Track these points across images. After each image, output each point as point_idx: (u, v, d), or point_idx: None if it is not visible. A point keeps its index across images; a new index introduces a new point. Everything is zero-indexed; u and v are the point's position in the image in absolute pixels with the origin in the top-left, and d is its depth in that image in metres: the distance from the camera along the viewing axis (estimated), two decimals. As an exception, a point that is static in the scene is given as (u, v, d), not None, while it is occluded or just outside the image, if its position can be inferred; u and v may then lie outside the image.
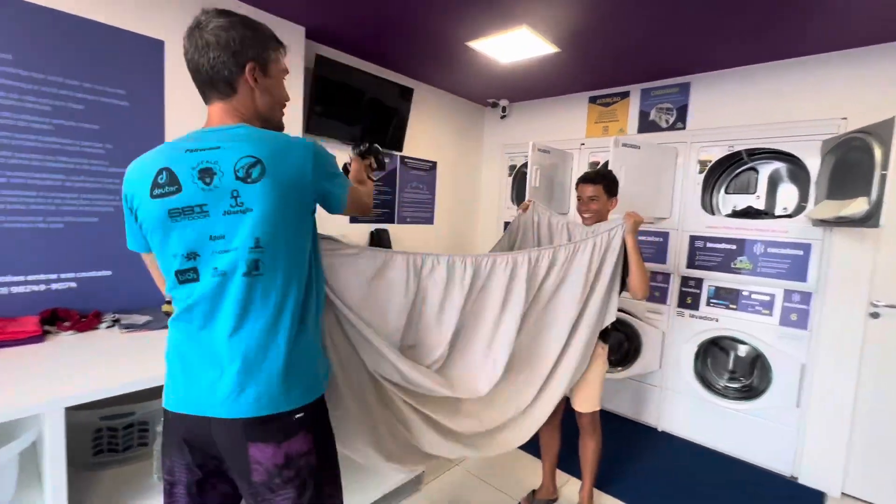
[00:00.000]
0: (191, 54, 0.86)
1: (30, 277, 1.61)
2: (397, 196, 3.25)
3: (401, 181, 3.26)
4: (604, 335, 1.72)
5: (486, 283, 1.37)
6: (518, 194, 3.55)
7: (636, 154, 2.56)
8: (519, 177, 3.56)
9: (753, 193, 2.60)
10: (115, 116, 1.75)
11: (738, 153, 2.54)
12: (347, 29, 2.36)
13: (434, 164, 3.50)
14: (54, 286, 1.66)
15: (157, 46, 1.84)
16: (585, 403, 1.78)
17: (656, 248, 2.78)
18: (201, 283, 0.84)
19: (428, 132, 3.40)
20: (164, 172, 0.82)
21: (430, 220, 3.54)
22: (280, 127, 0.99)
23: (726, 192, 2.71)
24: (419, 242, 3.44)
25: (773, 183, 2.55)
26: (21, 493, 1.19)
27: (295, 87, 2.35)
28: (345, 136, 2.80)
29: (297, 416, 0.90)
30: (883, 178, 1.75)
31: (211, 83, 0.87)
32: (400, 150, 3.13)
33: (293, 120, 2.38)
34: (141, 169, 0.86)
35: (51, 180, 1.63)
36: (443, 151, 3.56)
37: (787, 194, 2.50)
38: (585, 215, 1.85)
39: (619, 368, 2.86)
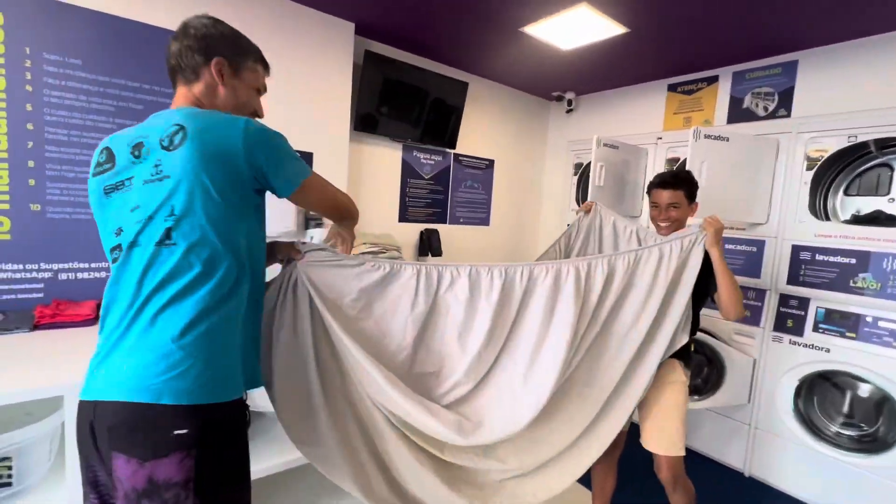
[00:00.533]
0: (170, 42, 0.90)
1: (93, 265, 1.75)
2: (450, 195, 3.14)
3: (454, 180, 3.15)
4: (685, 357, 1.43)
5: (524, 298, 1.18)
6: (583, 195, 3.25)
7: (723, 148, 2.18)
8: (585, 175, 3.27)
9: (885, 195, 2.08)
10: (171, 115, 1.85)
11: (864, 145, 2.04)
12: (396, 21, 2.30)
13: (491, 162, 3.34)
14: (114, 274, 1.79)
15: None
16: (659, 442, 1.43)
17: (747, 258, 2.34)
18: (122, 257, 0.80)
19: (485, 128, 3.24)
20: (104, 152, 0.84)
21: (485, 222, 3.38)
22: None
23: (846, 194, 2.20)
24: (472, 244, 3.30)
25: (915, 181, 2.01)
26: (58, 464, 1.25)
27: (343, 83, 2.35)
28: (401, 135, 2.75)
29: (177, 431, 0.72)
30: None
31: (179, 67, 0.88)
32: (453, 147, 3.01)
33: (340, 116, 2.37)
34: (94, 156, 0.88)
35: (113, 175, 1.76)
36: (501, 149, 3.39)
37: (934, 196, 1.96)
38: (663, 224, 1.59)
39: (696, 397, 2.46)
